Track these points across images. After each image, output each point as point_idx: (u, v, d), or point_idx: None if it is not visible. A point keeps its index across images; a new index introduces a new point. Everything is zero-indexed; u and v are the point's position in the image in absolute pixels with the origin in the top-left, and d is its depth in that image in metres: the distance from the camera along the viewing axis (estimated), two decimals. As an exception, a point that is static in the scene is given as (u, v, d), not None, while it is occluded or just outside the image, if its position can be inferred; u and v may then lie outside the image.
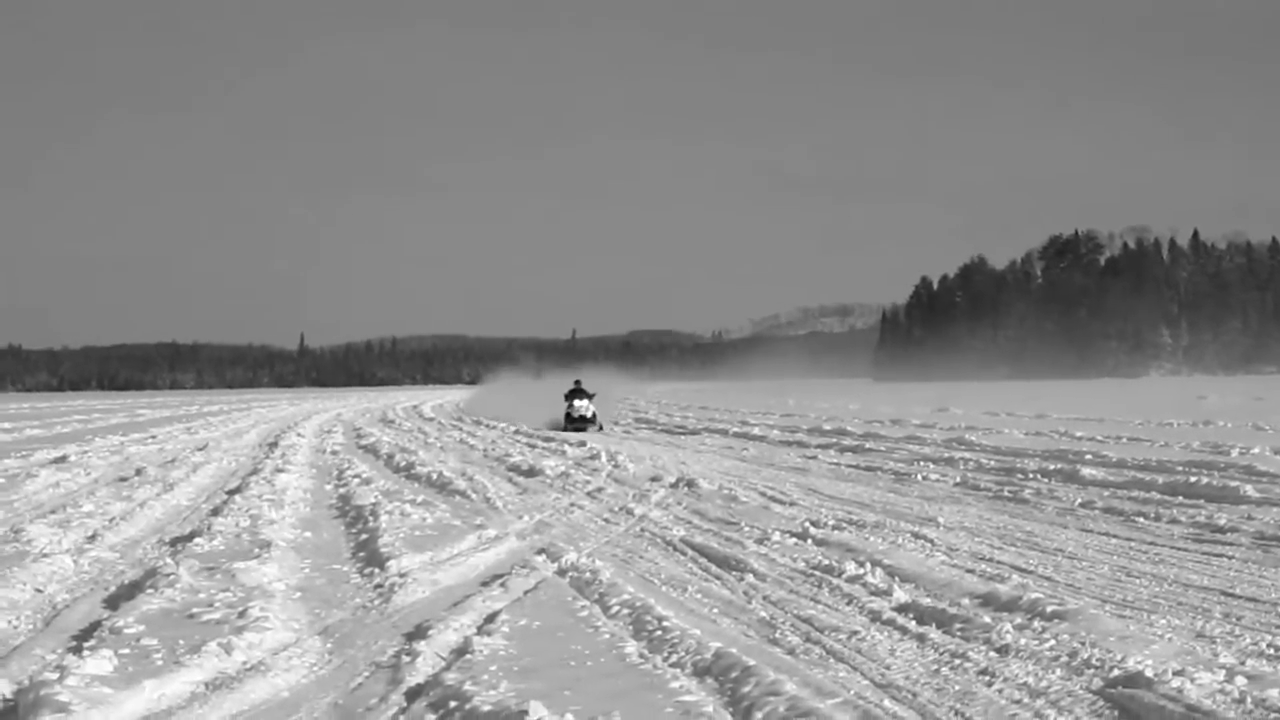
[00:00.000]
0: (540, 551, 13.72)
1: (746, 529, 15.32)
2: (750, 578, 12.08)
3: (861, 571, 11.92)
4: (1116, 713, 7.41)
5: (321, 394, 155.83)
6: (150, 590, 11.48)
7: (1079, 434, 32.21)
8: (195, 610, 10.58)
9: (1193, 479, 18.84)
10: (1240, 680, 7.82)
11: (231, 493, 20.70)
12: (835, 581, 11.68)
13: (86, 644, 9.38)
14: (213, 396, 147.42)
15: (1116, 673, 8.11)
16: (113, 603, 11.37)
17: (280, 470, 24.98)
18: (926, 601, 10.62)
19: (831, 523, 15.57)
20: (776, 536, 14.55)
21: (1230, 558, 12.62)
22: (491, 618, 10.31)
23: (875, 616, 10.22)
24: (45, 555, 13.66)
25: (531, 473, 23.83)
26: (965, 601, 10.64)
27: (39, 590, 12.03)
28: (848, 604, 10.77)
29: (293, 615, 10.67)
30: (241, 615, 10.26)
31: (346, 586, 12.28)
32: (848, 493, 19.59)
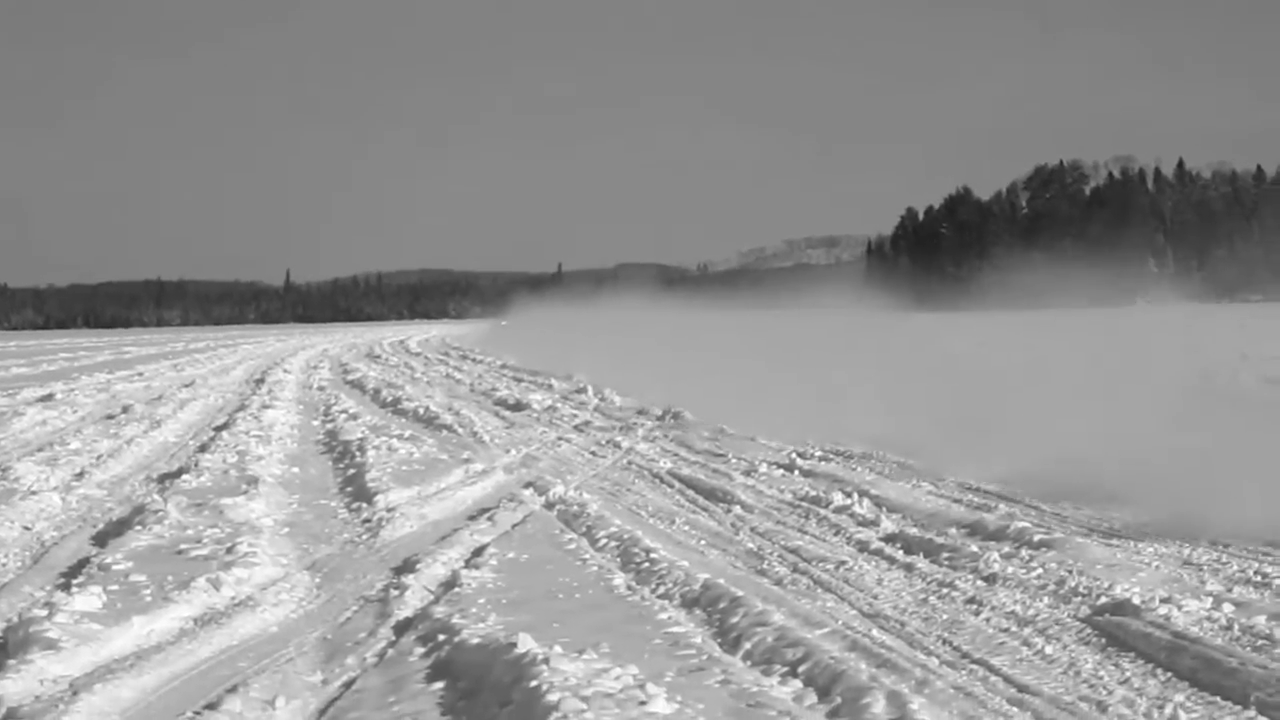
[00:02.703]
0: (528, 485, 13.73)
1: (733, 460, 15.35)
2: (738, 509, 12.11)
3: (849, 502, 11.95)
4: (1104, 640, 7.44)
5: (308, 330, 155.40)
6: (138, 527, 11.47)
7: (1066, 362, 32.20)
8: (183, 546, 10.57)
9: (1180, 407, 18.82)
10: (1227, 607, 7.86)
11: (219, 429, 20.67)
12: (822, 512, 11.71)
13: (75, 581, 9.37)
14: (199, 333, 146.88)
15: (1104, 600, 8.15)
16: (101, 540, 11.37)
17: (267, 406, 24.93)
18: (914, 531, 10.66)
19: (818, 454, 15.59)
20: (763, 468, 14.58)
21: (1217, 486, 12.60)
22: (479, 551, 10.33)
23: (863, 547, 10.25)
24: (33, 493, 13.64)
25: (518, 407, 23.84)
26: (952, 531, 10.68)
27: (27, 528, 12.02)
28: (835, 534, 10.80)
29: (281, 550, 10.68)
30: (230, 551, 10.26)
31: (334, 521, 12.29)
32: (834, 423, 19.54)
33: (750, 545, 10.46)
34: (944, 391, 23.61)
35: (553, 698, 6.31)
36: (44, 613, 8.25)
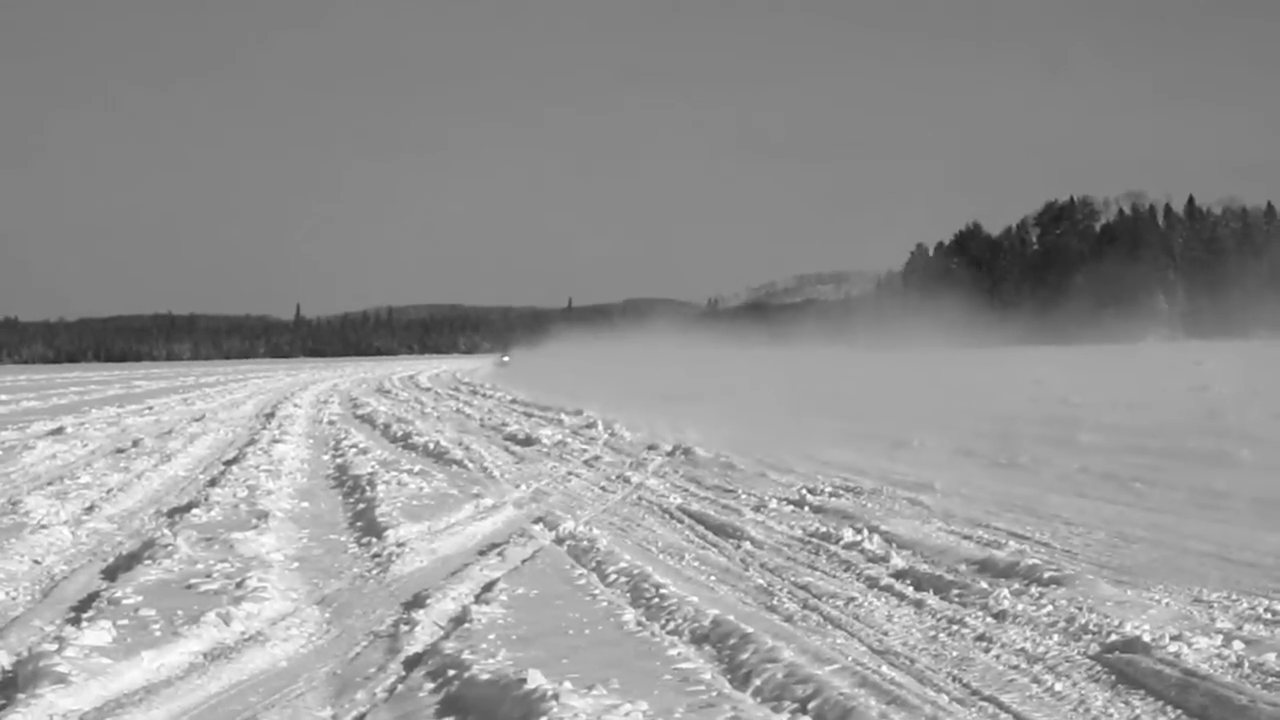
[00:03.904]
0: (538, 520, 13.73)
1: (743, 496, 15.34)
2: (747, 545, 12.10)
3: (859, 538, 11.93)
4: (1114, 677, 7.43)
5: (318, 364, 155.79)
6: (148, 561, 11.49)
7: (1076, 400, 32.24)
8: (193, 581, 10.58)
9: (1189, 444, 18.87)
10: (1237, 644, 7.85)
11: (229, 463, 20.70)
12: (832, 548, 11.69)
13: (85, 615, 9.38)
14: (209, 367, 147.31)
15: (1114, 638, 8.13)
16: (111, 574, 11.37)
17: (277, 440, 24.98)
18: (924, 567, 10.64)
19: (828, 490, 15.57)
20: (773, 504, 14.57)
21: (1227, 522, 12.62)
22: (489, 586, 10.32)
23: (873, 583, 10.23)
24: (43, 527, 13.65)
25: (528, 441, 23.84)
26: (962, 567, 10.66)
27: (37, 562, 12.03)
28: (845, 570, 10.79)
29: (291, 585, 10.68)
30: (239, 586, 10.27)
31: (344, 556, 12.29)
32: (844, 460, 19.58)
33: (760, 581, 10.45)
34: (963, 431, 23.60)
35: (562, 733, 6.31)
36: (54, 647, 8.26)
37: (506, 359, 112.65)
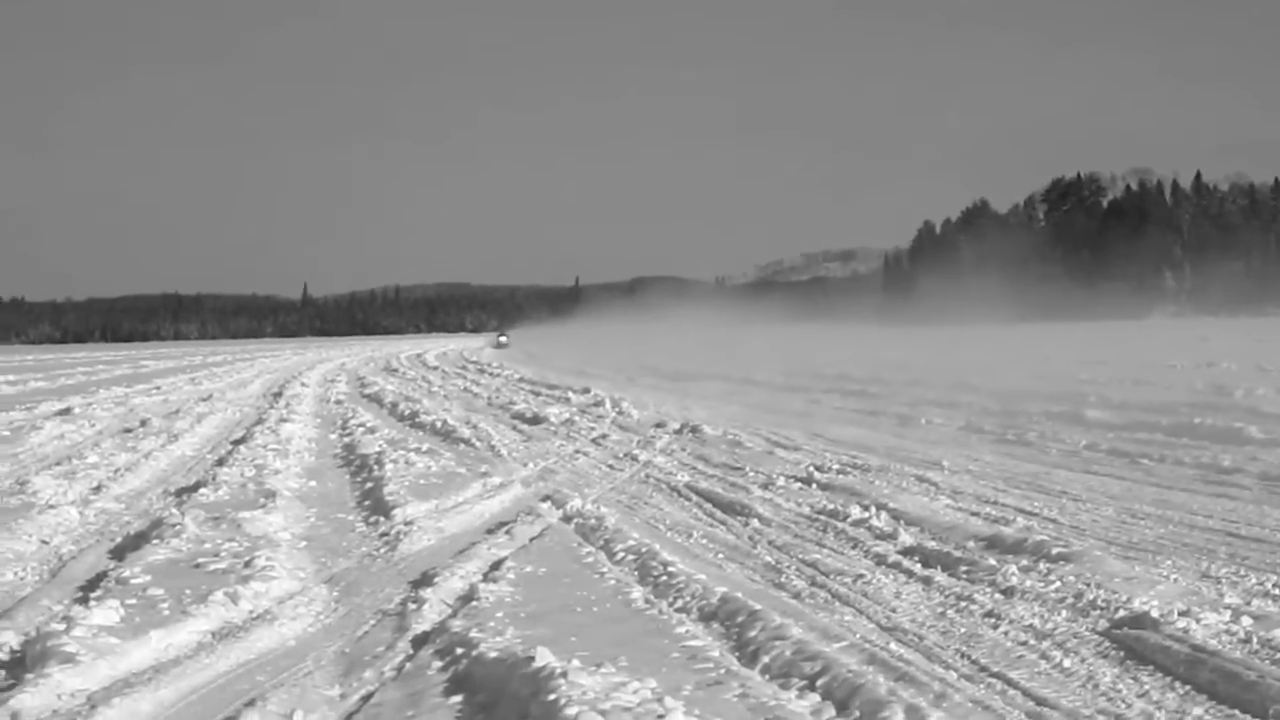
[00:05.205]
0: (545, 498, 13.72)
1: (751, 474, 15.33)
2: (755, 522, 12.09)
3: (866, 515, 11.92)
4: (1122, 653, 7.42)
5: (325, 343, 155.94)
6: (156, 541, 11.47)
7: (1083, 376, 32.19)
8: (201, 560, 10.57)
9: (1197, 420, 18.83)
10: (1246, 620, 7.83)
11: (236, 443, 20.68)
12: (840, 525, 11.68)
13: (93, 595, 9.37)
14: (216, 347, 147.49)
15: (1122, 614, 8.12)
16: (119, 553, 11.37)
17: (285, 420, 24.96)
18: (932, 544, 10.63)
19: (836, 467, 15.56)
20: (781, 481, 14.56)
21: (1235, 499, 12.61)
22: (497, 565, 10.32)
23: (880, 560, 10.22)
24: (51, 507, 13.66)
25: (536, 420, 23.83)
26: (970, 544, 10.65)
27: (45, 542, 12.03)
28: (853, 548, 10.78)
29: (299, 564, 10.67)
30: (248, 565, 10.26)
31: (352, 535, 12.28)
32: (852, 437, 19.57)
33: (768, 558, 10.44)
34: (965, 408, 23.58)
35: (571, 711, 6.31)
36: (62, 626, 8.26)
37: (504, 339, 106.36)
